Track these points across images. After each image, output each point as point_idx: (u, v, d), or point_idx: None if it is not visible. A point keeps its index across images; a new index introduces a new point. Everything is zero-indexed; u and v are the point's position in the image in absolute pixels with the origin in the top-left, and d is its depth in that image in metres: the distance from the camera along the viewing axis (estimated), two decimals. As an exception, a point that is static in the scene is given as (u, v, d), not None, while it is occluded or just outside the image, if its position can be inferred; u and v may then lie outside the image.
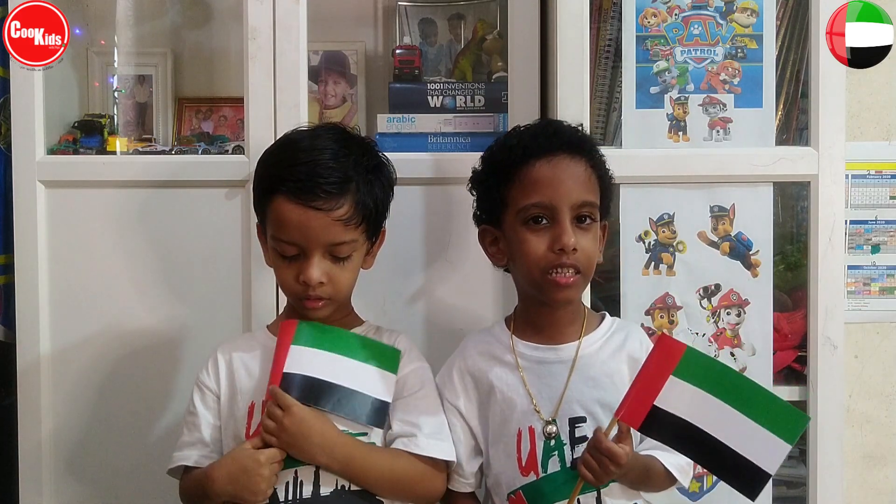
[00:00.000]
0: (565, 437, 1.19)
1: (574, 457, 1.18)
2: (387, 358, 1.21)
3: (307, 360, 1.16)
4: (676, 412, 1.08)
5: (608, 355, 1.23)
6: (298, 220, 1.16)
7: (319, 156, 1.19)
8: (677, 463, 1.19)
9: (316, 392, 1.15)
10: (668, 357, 1.09)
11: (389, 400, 1.19)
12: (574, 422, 1.19)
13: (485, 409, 1.24)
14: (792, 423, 1.08)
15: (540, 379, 1.22)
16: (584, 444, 1.16)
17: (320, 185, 1.16)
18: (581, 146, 1.22)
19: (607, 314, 1.30)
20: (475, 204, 1.31)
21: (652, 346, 1.21)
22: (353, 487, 1.17)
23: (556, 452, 1.19)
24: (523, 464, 1.20)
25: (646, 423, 1.09)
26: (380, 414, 1.19)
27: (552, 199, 1.17)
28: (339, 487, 1.17)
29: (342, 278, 1.20)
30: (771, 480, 1.44)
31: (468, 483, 1.25)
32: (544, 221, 1.18)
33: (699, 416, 1.08)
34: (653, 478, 1.19)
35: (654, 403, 1.08)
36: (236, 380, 1.23)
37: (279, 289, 1.46)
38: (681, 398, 1.08)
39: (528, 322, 1.27)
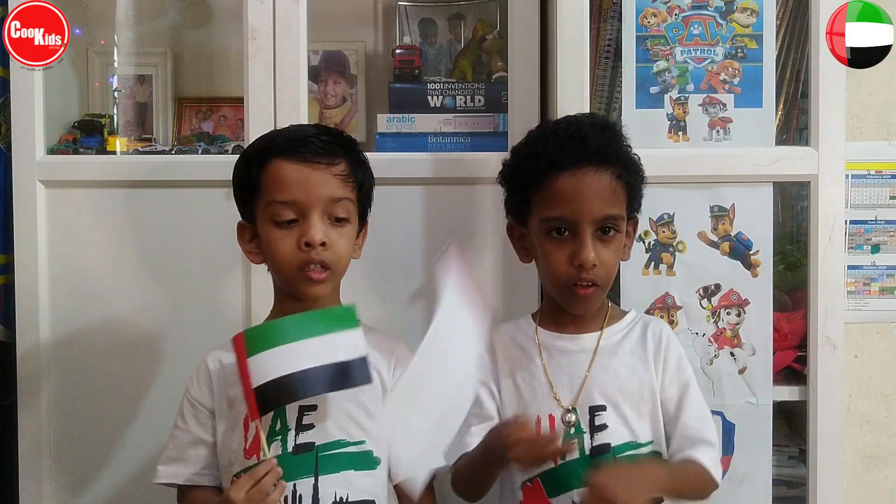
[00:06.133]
0: (585, 426, 1.19)
1: (593, 444, 1.18)
2: (344, 318, 1.16)
3: (269, 365, 1.12)
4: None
5: (630, 345, 1.24)
6: (298, 176, 1.17)
7: (310, 126, 1.26)
8: (711, 458, 1.18)
9: (294, 388, 1.12)
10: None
11: (366, 353, 1.15)
12: (594, 410, 1.20)
13: (506, 393, 1.25)
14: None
15: (561, 368, 1.23)
16: (604, 432, 1.18)
17: (317, 141, 1.19)
18: (606, 157, 1.19)
19: (633, 310, 1.31)
20: (504, 196, 1.30)
21: (671, 335, 1.26)
22: (352, 498, 1.17)
23: (576, 441, 1.19)
24: None
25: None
26: (362, 370, 1.14)
27: (574, 214, 1.17)
28: (337, 500, 1.16)
29: (341, 245, 1.20)
30: (771, 480, 1.46)
31: None
32: (566, 233, 1.19)
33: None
34: (691, 481, 1.16)
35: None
36: (230, 388, 1.21)
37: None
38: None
39: (552, 315, 1.28)
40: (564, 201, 1.18)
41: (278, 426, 1.17)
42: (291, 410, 1.17)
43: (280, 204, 1.17)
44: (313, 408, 1.18)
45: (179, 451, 1.24)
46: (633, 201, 1.25)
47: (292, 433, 1.17)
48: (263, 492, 1.10)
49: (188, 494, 1.24)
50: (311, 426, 1.17)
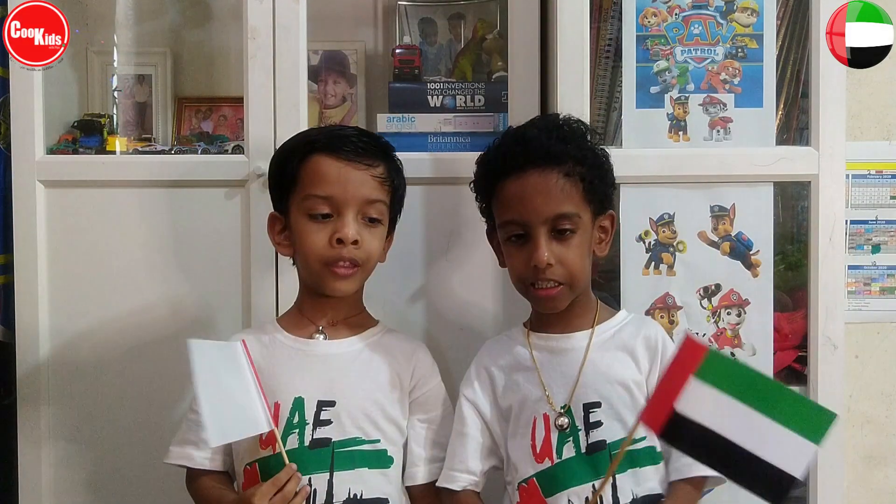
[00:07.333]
0: (580, 423, 1.19)
1: (589, 441, 1.18)
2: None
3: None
4: (698, 419, 1.03)
5: (622, 341, 1.24)
6: (338, 173, 1.20)
7: (351, 127, 1.29)
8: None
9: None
10: (690, 358, 1.04)
11: None
12: (588, 407, 1.20)
13: (502, 403, 1.25)
14: (818, 421, 1.03)
15: (554, 368, 1.23)
16: (599, 429, 1.18)
17: (357, 142, 1.22)
18: (549, 157, 1.20)
19: (624, 310, 1.31)
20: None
21: (666, 337, 1.25)
22: (366, 496, 1.17)
23: (571, 438, 1.19)
24: (538, 451, 1.20)
25: (667, 430, 1.05)
26: None
27: (523, 217, 1.19)
28: (351, 496, 1.17)
29: (372, 245, 1.22)
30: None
31: (475, 481, 1.24)
32: (523, 236, 1.21)
33: (722, 423, 1.02)
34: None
35: (675, 408, 1.03)
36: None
37: (279, 289, 1.47)
38: (703, 403, 1.03)
39: (540, 319, 1.28)
40: (514, 205, 1.20)
41: (296, 419, 1.18)
42: (310, 405, 1.19)
43: (317, 198, 1.20)
44: (331, 403, 1.19)
45: (193, 433, 1.24)
46: (596, 196, 1.23)
47: (309, 427, 1.18)
48: (287, 499, 1.11)
49: (198, 479, 1.24)
50: (328, 422, 1.18)
